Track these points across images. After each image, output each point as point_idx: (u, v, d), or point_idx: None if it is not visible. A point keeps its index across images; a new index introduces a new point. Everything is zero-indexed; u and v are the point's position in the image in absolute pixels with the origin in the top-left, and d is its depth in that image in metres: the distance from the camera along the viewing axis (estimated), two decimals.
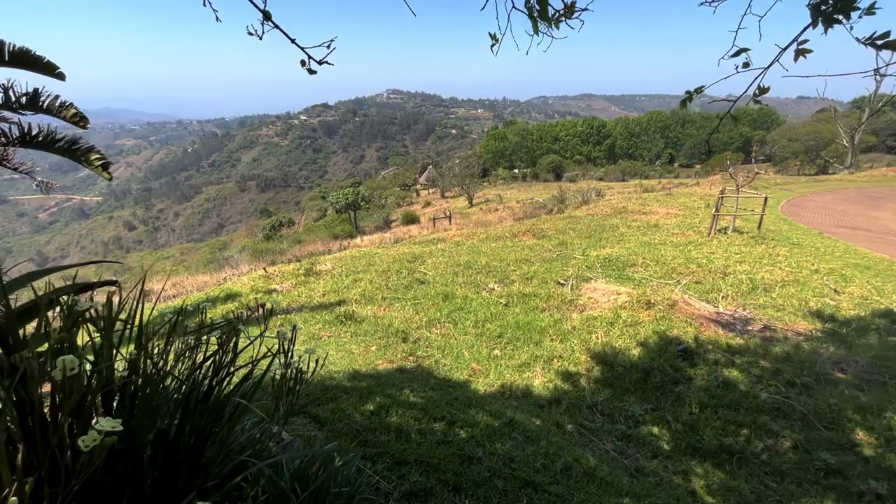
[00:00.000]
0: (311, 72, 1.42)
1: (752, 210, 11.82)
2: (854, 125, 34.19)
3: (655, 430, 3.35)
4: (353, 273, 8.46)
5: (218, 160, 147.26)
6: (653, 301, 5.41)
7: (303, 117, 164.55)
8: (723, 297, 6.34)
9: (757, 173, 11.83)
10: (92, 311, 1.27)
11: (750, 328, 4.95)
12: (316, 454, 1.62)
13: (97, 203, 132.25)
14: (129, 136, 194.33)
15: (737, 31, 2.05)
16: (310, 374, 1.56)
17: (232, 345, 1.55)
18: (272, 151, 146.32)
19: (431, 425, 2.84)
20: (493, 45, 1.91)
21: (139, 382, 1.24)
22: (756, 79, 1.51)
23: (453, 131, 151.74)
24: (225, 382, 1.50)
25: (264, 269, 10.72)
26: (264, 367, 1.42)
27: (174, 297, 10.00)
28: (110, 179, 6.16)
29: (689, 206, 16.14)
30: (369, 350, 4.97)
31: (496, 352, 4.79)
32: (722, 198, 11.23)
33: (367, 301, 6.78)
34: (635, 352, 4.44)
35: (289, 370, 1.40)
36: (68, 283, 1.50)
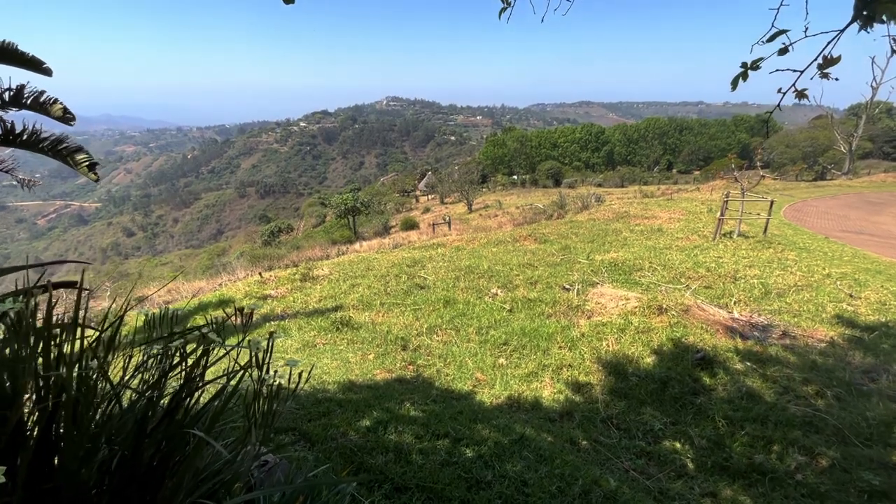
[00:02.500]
0: (288, 0, 1.19)
1: (758, 213, 11.64)
2: (851, 132, 34.34)
3: (678, 446, 3.08)
4: (350, 278, 8.20)
5: (217, 166, 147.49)
6: (665, 306, 5.16)
7: (302, 124, 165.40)
8: (735, 303, 6.10)
9: (763, 176, 11.68)
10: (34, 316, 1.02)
11: (768, 335, 4.70)
12: (298, 489, 1.36)
13: (96, 209, 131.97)
14: (129, 143, 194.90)
15: (777, 9, 1.82)
16: (292, 390, 1.31)
17: (201, 356, 1.30)
18: (272, 158, 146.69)
19: (434, 443, 2.57)
20: (503, 10, 1.71)
21: (73, 405, 0.99)
22: (828, 44, 1.28)
23: (452, 138, 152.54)
24: (190, 401, 1.25)
25: (259, 274, 10.46)
26: (238, 383, 1.17)
27: (168, 303, 9.71)
28: (97, 180, 5.93)
29: (692, 210, 15.98)
30: (366, 358, 4.69)
31: (501, 360, 4.53)
32: (727, 201, 11.05)
33: (365, 307, 6.52)
34: (650, 360, 4.18)
35: (263, 387, 1.15)
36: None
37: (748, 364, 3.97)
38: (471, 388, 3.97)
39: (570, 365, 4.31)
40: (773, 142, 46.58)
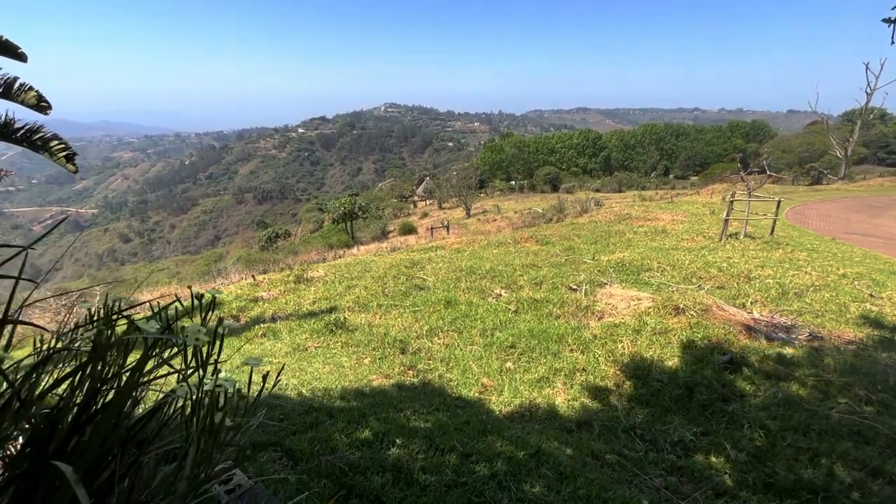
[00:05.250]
0: None
1: (764, 214, 11.41)
2: (846, 137, 34.48)
3: (713, 459, 2.73)
4: (346, 279, 7.84)
5: (215, 172, 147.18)
6: (681, 306, 4.84)
7: (301, 130, 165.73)
8: (752, 303, 5.79)
9: (770, 175, 11.46)
10: None
11: (794, 336, 4.38)
12: None
13: (93, 215, 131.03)
14: (127, 149, 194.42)
15: None
16: (252, 399, 0.97)
17: (141, 357, 0.96)
18: (270, 164, 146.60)
19: (440, 459, 2.21)
20: None
21: None
22: None
23: (450, 144, 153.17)
24: (108, 414, 0.90)
25: (252, 276, 10.09)
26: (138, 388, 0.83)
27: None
28: (75, 171, 5.60)
29: (694, 212, 15.79)
30: (362, 363, 4.33)
31: (509, 364, 4.17)
32: (732, 202, 10.82)
33: (362, 308, 6.16)
34: (671, 363, 3.84)
35: (206, 393, 0.81)
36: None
37: (780, 367, 3.64)
38: (477, 394, 3.61)
39: (583, 369, 3.96)
40: (769, 147, 46.86)
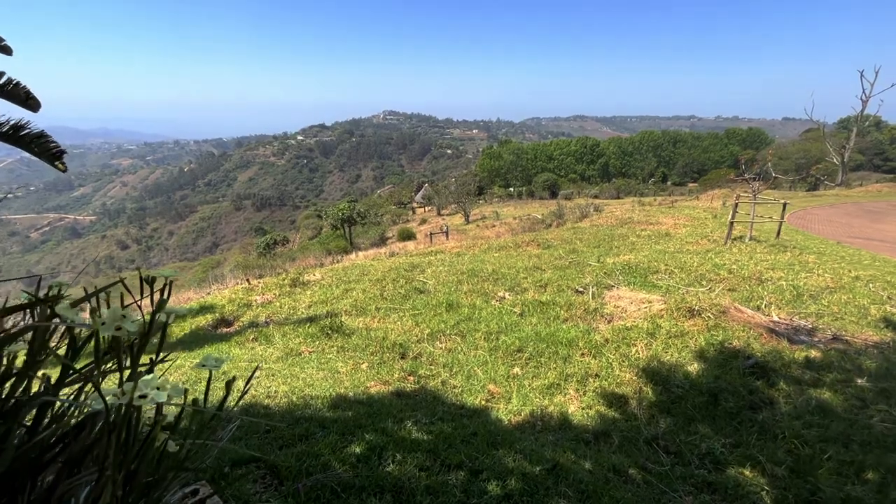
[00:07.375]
0: None
1: (771, 217, 11.25)
2: (843, 143, 34.63)
3: (747, 474, 2.47)
4: (343, 283, 7.58)
5: (214, 179, 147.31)
6: (697, 308, 4.60)
7: (300, 137, 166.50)
8: (767, 305, 5.55)
9: (775, 177, 11.34)
10: None
11: (817, 339, 4.14)
12: None
13: (90, 222, 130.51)
14: (126, 156, 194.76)
15: None
16: (211, 411, 0.72)
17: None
18: (269, 171, 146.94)
19: (445, 477, 1.94)
20: None
21: None
22: None
23: (448, 151, 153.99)
24: None
25: (248, 280, 9.83)
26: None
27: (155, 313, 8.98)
28: (64, 170, 5.37)
29: (696, 216, 15.64)
30: (359, 368, 4.05)
31: (516, 370, 3.91)
32: (737, 204, 10.66)
33: (359, 312, 5.89)
34: (691, 368, 3.58)
35: (126, 408, 0.56)
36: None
37: (809, 372, 3.39)
38: (483, 402, 3.34)
39: (596, 374, 3.70)
40: (766, 154, 47.15)
